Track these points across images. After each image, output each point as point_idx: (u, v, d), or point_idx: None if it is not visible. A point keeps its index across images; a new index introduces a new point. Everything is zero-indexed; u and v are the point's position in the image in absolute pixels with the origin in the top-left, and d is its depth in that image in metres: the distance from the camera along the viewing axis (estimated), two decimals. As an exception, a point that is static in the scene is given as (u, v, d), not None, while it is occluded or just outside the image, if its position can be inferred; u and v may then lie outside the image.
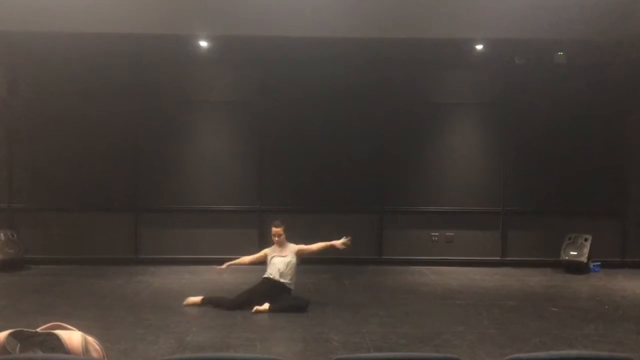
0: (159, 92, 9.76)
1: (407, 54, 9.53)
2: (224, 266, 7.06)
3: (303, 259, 7.22)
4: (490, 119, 10.04)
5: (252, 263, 7.17)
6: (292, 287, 6.89)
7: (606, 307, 7.11)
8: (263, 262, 7.10)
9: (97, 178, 9.67)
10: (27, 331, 3.94)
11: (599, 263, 9.47)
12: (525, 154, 9.93)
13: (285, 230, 7.04)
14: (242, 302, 6.65)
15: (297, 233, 9.70)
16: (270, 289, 6.75)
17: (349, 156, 9.88)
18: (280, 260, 6.90)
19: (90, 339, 3.98)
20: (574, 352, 2.83)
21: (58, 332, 3.91)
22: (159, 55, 9.53)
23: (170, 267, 9.26)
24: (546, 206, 9.93)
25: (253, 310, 6.51)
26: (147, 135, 9.76)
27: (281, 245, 7.02)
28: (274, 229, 7.02)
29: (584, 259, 9.19)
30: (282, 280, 6.81)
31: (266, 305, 6.58)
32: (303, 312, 6.55)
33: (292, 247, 7.02)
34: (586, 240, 9.29)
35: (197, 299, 6.87)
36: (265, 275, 6.92)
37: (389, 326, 6.07)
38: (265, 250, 7.14)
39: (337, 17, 7.83)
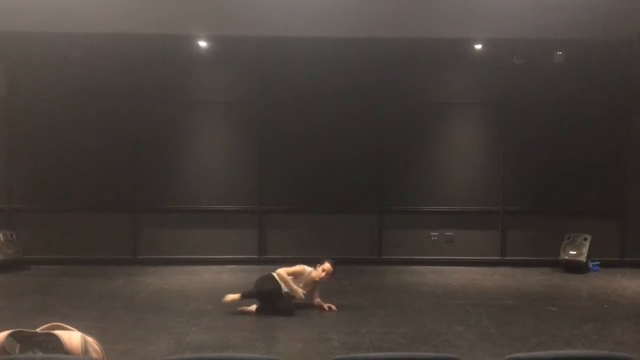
0: (158, 92, 9.75)
1: (407, 53, 9.54)
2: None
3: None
4: (489, 119, 10.04)
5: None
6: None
7: (605, 306, 7.12)
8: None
9: (97, 178, 9.66)
10: (27, 332, 3.94)
11: (598, 262, 9.47)
12: (524, 154, 9.93)
13: (331, 275, 6.81)
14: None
15: (297, 233, 9.79)
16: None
17: (348, 156, 9.87)
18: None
19: (89, 339, 3.98)
20: (573, 352, 2.83)
21: (57, 332, 3.91)
22: (158, 55, 9.53)
23: (170, 268, 9.25)
24: (545, 206, 9.93)
25: (239, 309, 6.54)
26: (147, 135, 9.75)
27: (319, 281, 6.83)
28: (330, 269, 6.75)
29: (583, 258, 9.20)
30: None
31: (253, 307, 6.56)
32: (291, 315, 6.47)
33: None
34: (585, 239, 9.29)
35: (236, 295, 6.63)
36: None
37: (388, 326, 6.07)
38: (299, 270, 6.81)
39: (337, 17, 7.84)
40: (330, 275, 6.80)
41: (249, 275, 8.57)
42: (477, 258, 9.83)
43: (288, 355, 4.99)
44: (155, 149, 9.79)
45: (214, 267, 9.28)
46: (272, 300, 6.55)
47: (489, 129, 10.05)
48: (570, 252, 9.31)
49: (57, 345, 3.80)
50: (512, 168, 9.95)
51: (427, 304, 7.18)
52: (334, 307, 6.74)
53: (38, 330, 3.98)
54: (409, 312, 6.71)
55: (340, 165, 9.86)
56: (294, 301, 6.65)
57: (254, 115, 9.83)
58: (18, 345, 3.89)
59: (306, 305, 6.77)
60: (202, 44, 9.30)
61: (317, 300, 6.84)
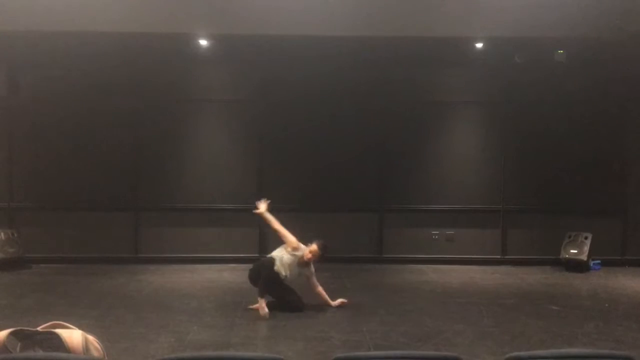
0: (159, 91, 9.76)
1: (407, 52, 9.52)
2: (263, 207, 6.85)
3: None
4: (491, 118, 10.03)
5: (277, 232, 6.87)
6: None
7: (606, 305, 7.12)
8: (281, 241, 6.84)
9: (97, 177, 9.66)
10: (28, 330, 3.95)
11: (599, 261, 9.47)
12: (525, 152, 9.92)
13: (319, 252, 6.68)
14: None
15: (298, 232, 9.76)
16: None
17: (349, 155, 9.87)
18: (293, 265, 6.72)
19: (90, 337, 3.99)
20: (574, 350, 2.83)
21: (58, 331, 3.92)
22: (159, 54, 9.50)
23: (171, 266, 9.26)
24: (546, 204, 9.92)
25: (252, 307, 6.49)
26: (147, 134, 9.76)
27: (306, 262, 6.75)
28: (316, 250, 6.67)
29: (584, 257, 9.19)
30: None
31: (263, 303, 6.46)
32: (300, 311, 6.51)
33: (310, 270, 6.84)
34: (586, 238, 9.28)
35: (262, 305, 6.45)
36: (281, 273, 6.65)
37: (389, 325, 6.08)
38: (294, 243, 6.76)
39: (337, 15, 7.83)
40: (316, 256, 6.67)
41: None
42: (477, 257, 9.83)
43: (289, 354, 5.00)
44: (155, 148, 9.78)
45: (215, 266, 9.28)
46: (267, 276, 6.54)
47: (490, 127, 10.04)
48: (571, 251, 9.31)
49: (58, 344, 3.81)
50: (513, 167, 9.94)
51: (427, 302, 7.18)
52: (345, 301, 6.78)
53: (39, 328, 3.98)
54: (410, 310, 6.71)
55: (341, 163, 9.86)
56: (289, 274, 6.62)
57: (255, 114, 9.83)
58: (19, 343, 3.90)
59: (306, 304, 6.77)
60: (203, 42, 9.29)
61: (319, 289, 6.79)
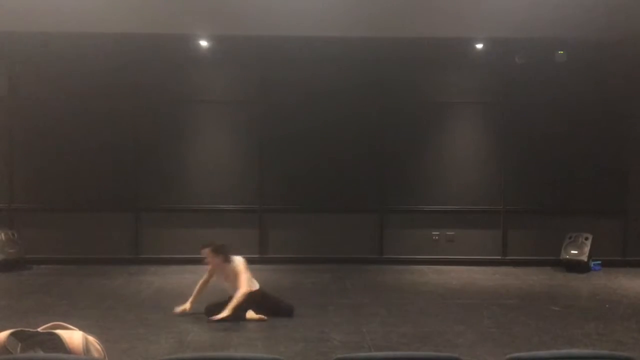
0: (159, 92, 9.75)
1: (408, 53, 9.53)
2: (187, 307, 6.44)
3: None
4: (491, 118, 10.03)
5: (206, 284, 6.66)
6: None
7: (607, 306, 7.11)
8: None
9: (98, 178, 9.67)
10: (28, 331, 3.94)
11: (599, 262, 9.47)
12: (525, 153, 9.92)
13: (212, 254, 6.48)
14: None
15: (298, 233, 9.79)
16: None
17: (349, 155, 9.87)
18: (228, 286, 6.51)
19: (90, 338, 3.99)
20: (574, 351, 2.83)
21: (59, 331, 3.92)
22: (159, 55, 9.53)
23: (171, 267, 9.25)
24: (547, 205, 9.92)
25: (247, 317, 6.31)
26: (147, 135, 9.75)
27: (219, 268, 6.52)
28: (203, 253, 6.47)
29: (584, 257, 9.19)
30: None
31: (251, 313, 6.33)
32: (289, 315, 6.40)
33: (233, 270, 6.48)
34: (587, 239, 9.28)
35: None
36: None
37: (389, 325, 6.08)
38: (206, 273, 6.64)
39: (337, 16, 7.83)
40: (207, 256, 6.47)
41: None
42: (478, 257, 9.82)
43: (289, 355, 4.99)
44: (155, 149, 9.79)
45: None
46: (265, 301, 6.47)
47: (491, 128, 10.04)
48: (572, 252, 9.31)
49: (59, 345, 3.81)
50: (514, 167, 9.94)
51: (428, 303, 7.18)
52: (219, 317, 6.18)
53: (39, 329, 3.98)
54: (410, 311, 6.71)
55: (342, 164, 9.86)
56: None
57: (255, 115, 9.83)
58: (19, 344, 3.89)
59: (307, 305, 6.77)
60: (203, 43, 9.30)
61: (239, 291, 6.35)
